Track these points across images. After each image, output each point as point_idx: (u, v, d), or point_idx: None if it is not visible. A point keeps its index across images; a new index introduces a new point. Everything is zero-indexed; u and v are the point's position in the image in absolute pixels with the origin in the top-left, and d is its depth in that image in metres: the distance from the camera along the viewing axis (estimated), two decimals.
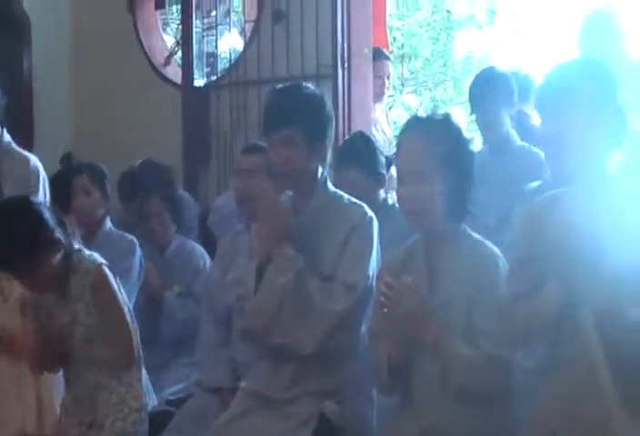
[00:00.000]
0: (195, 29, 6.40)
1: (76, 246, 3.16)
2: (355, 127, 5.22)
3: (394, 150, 3.87)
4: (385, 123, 6.06)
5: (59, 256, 3.03)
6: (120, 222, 4.75)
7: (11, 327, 3.35)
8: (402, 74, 13.31)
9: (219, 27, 6.58)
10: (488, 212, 3.67)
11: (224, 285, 3.64)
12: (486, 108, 4.15)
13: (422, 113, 2.73)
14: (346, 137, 4.69)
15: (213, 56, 6.74)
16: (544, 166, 3.15)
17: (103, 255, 3.19)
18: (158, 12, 6.83)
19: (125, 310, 3.13)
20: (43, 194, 3.85)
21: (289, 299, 2.83)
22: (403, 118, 5.32)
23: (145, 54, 6.57)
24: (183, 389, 4.01)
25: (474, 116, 4.27)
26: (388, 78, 6.11)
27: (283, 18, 5.78)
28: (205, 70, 6.60)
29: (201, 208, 5.46)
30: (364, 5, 5.64)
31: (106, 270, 3.11)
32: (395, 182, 2.91)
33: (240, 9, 7.79)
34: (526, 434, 2.40)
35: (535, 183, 3.51)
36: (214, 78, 6.42)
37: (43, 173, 3.89)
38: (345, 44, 5.50)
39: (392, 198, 3.73)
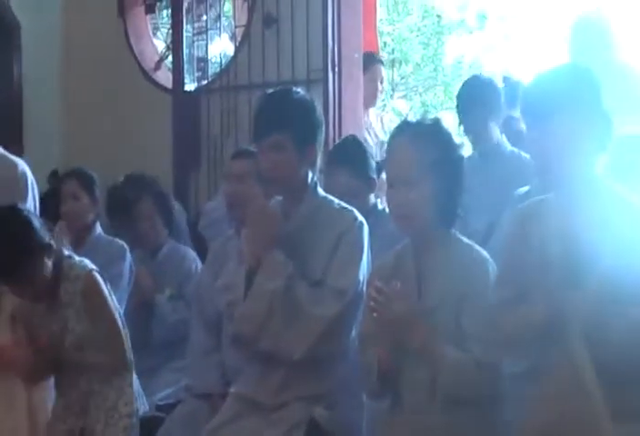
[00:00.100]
0: (185, 34, 6.40)
1: (66, 253, 3.16)
2: (346, 132, 5.22)
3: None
4: (378, 128, 6.05)
5: (50, 263, 3.03)
6: (110, 228, 4.74)
7: (0, 340, 3.32)
8: (392, 79, 13.35)
9: (210, 32, 6.59)
10: (478, 217, 3.68)
11: (214, 290, 3.63)
12: (473, 120, 4.14)
13: (412, 118, 2.74)
14: (337, 142, 4.68)
15: (203, 61, 6.75)
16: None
17: (93, 261, 3.20)
18: (148, 16, 6.83)
19: (116, 315, 3.13)
20: (32, 198, 3.83)
21: (279, 304, 2.82)
22: (393, 123, 5.30)
23: (136, 58, 6.57)
24: (172, 394, 4.01)
25: (462, 128, 4.23)
26: (382, 82, 6.07)
27: (273, 23, 5.78)
28: (196, 74, 6.61)
29: (191, 213, 5.45)
30: (354, 10, 5.64)
31: (97, 276, 3.12)
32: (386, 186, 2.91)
33: (230, 14, 7.82)
34: None
35: (524, 189, 3.52)
36: (204, 83, 6.43)
37: (31, 178, 3.88)
38: (336, 49, 5.50)
39: (382, 203, 3.73)
